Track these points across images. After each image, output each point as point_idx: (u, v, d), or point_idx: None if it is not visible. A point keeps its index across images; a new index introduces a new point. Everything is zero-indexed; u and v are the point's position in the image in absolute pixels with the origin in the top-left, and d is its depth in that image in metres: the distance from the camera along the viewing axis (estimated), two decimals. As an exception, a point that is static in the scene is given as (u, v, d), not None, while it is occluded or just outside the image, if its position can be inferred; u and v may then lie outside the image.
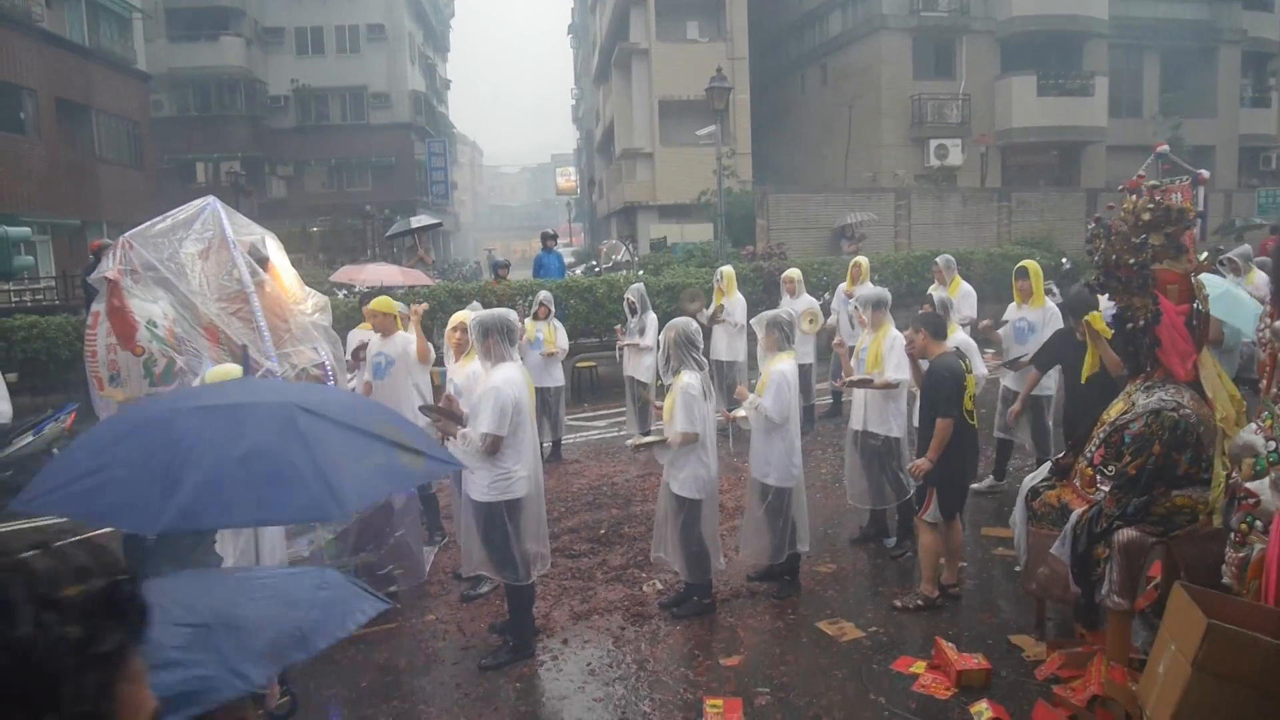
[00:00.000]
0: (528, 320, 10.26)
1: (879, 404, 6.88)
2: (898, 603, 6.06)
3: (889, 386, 6.74)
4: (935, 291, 9.28)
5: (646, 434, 6.65)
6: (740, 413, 6.47)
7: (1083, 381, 6.03)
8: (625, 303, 10.79)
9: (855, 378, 6.94)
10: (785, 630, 5.85)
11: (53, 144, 24.86)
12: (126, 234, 5.82)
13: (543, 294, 10.53)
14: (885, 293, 7.22)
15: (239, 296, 5.58)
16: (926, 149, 28.89)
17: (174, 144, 37.16)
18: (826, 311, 11.67)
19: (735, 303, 11.08)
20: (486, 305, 14.35)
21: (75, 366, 12.84)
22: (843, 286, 11.28)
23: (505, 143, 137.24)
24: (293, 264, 23.59)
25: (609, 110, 38.06)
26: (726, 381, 10.90)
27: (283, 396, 3.29)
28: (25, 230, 15.43)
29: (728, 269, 11.61)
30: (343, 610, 2.65)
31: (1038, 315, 8.07)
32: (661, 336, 5.96)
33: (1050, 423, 8.05)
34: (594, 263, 26.57)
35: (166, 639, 2.20)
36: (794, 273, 11.23)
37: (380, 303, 7.75)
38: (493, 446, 5.29)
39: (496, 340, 5.45)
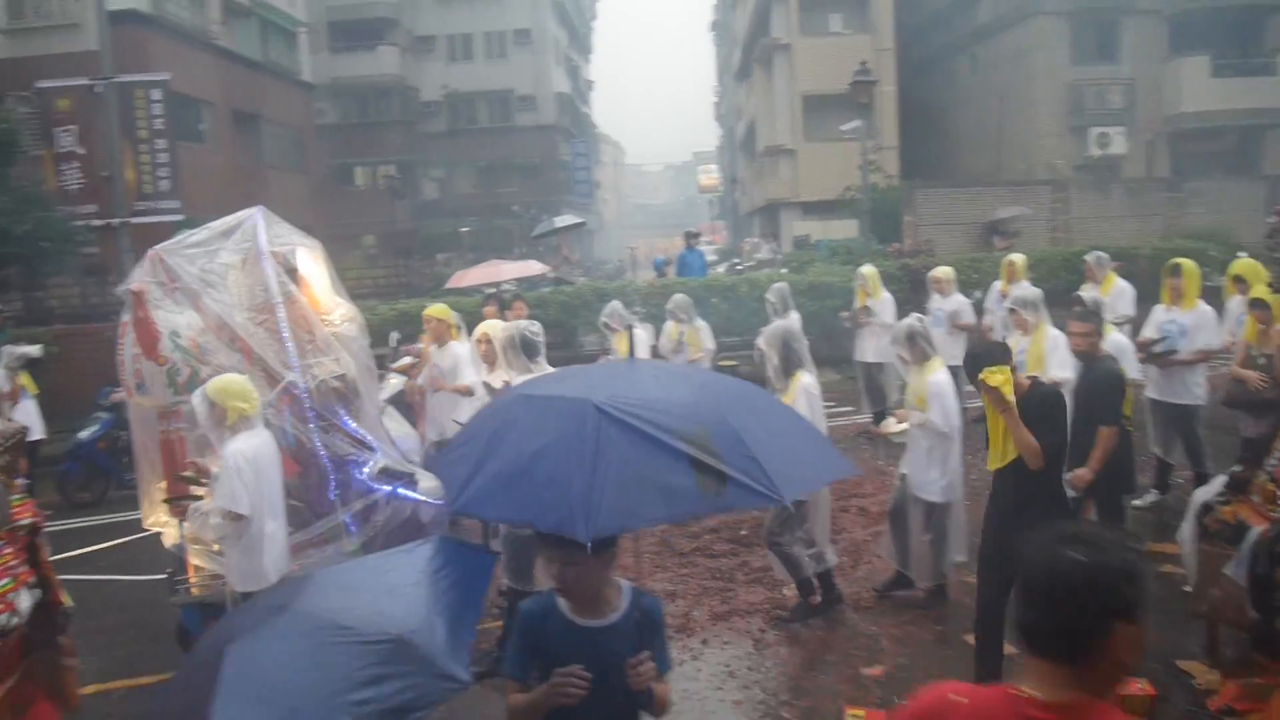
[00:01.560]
0: (668, 324, 10.28)
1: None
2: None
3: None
4: (1086, 291, 8.82)
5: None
6: (896, 427, 6.26)
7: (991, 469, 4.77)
8: (767, 304, 10.66)
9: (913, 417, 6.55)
10: (932, 641, 5.68)
11: (227, 152, 26.60)
12: (158, 247, 5.94)
13: (673, 302, 10.38)
14: (1040, 292, 6.89)
15: (267, 307, 5.71)
16: (1086, 138, 27.45)
17: (335, 149, 39.13)
18: (979, 311, 11.24)
19: (883, 302, 10.77)
20: (629, 305, 14.56)
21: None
22: (998, 285, 10.84)
23: (648, 141, 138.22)
24: (442, 263, 24.55)
25: (751, 107, 37.86)
26: (873, 384, 10.64)
27: (590, 391, 2.97)
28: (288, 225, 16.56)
29: (869, 269, 11.27)
30: (471, 584, 2.78)
31: (1190, 318, 7.32)
32: (763, 344, 5.84)
33: (1200, 432, 7.49)
34: (736, 260, 26.48)
35: (368, 658, 2.35)
36: (945, 271, 10.79)
37: (436, 310, 7.90)
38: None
39: (514, 354, 5.58)
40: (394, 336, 12.99)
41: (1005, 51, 29.92)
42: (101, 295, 17.27)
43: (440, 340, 7.66)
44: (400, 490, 5.65)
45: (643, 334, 9.91)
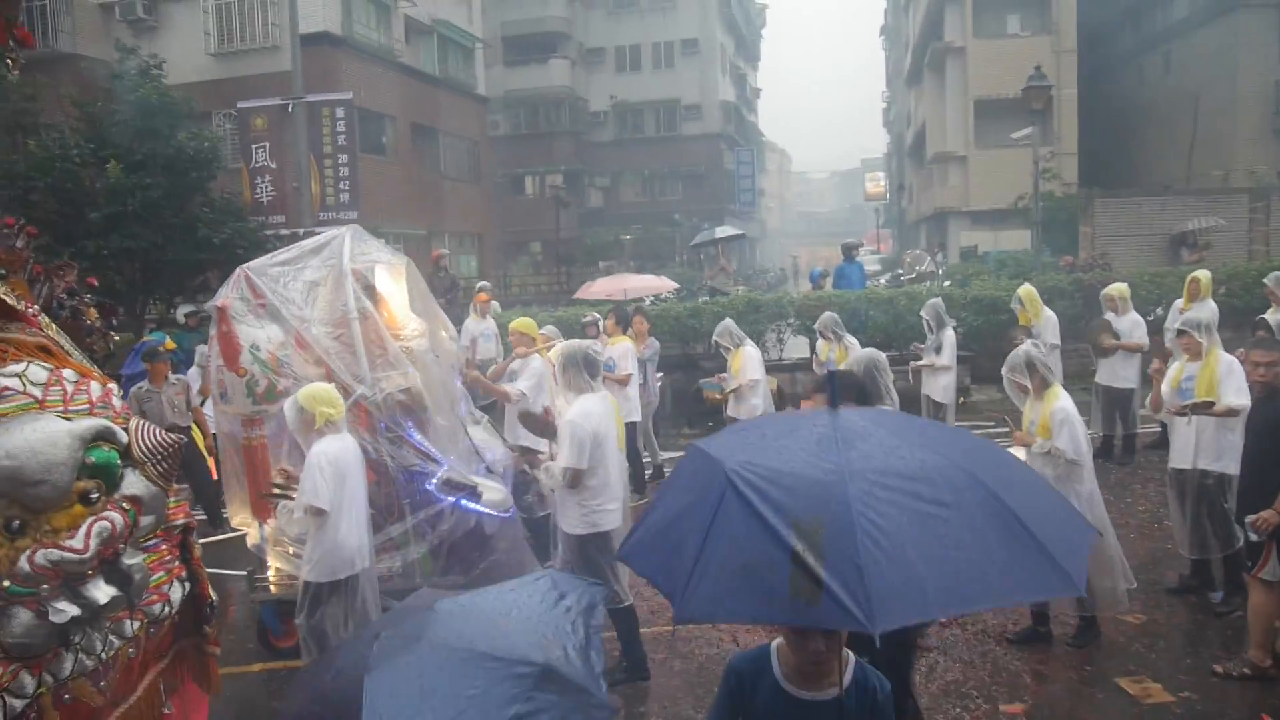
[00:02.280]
0: (819, 342, 10.18)
1: (1214, 436, 6.12)
2: (1219, 668, 5.38)
3: (1231, 413, 5.95)
4: (1272, 315, 8.13)
5: None
6: (1021, 454, 5.91)
7: None
8: (923, 319, 10.37)
9: (1193, 401, 6.17)
10: (1079, 681, 5.39)
11: (407, 163, 28.09)
12: (246, 264, 6.16)
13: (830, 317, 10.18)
14: (1213, 312, 6.51)
15: (343, 322, 5.84)
16: (1294, 142, 25.29)
17: (506, 159, 40.60)
18: (1157, 329, 10.56)
19: (1046, 320, 10.31)
20: (783, 317, 14.45)
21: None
22: (1179, 303, 10.16)
23: (814, 148, 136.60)
24: (603, 270, 24.89)
25: (920, 113, 36.84)
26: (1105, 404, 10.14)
27: (744, 452, 2.53)
28: (380, 242, 17.60)
29: (1026, 289, 10.78)
30: (589, 616, 2.83)
31: None
32: (559, 354, 5.54)
33: None
34: (899, 271, 25.83)
35: (518, 686, 2.41)
36: (1119, 287, 10.19)
37: (520, 324, 8.00)
38: (573, 480, 5.27)
39: (575, 372, 5.41)
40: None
41: (1203, 49, 27.93)
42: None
43: (522, 353, 7.81)
44: (463, 502, 5.83)
45: (754, 352, 9.72)
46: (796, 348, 15.08)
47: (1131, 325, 9.80)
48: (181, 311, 12.57)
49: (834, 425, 2.49)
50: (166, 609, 2.65)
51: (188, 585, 2.77)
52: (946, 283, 17.75)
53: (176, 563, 2.73)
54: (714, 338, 9.98)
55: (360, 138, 23.95)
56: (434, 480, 5.71)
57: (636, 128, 46.03)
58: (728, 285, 17.00)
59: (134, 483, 2.54)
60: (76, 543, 2.39)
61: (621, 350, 9.66)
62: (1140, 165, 30.93)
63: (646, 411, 10.36)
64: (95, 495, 2.46)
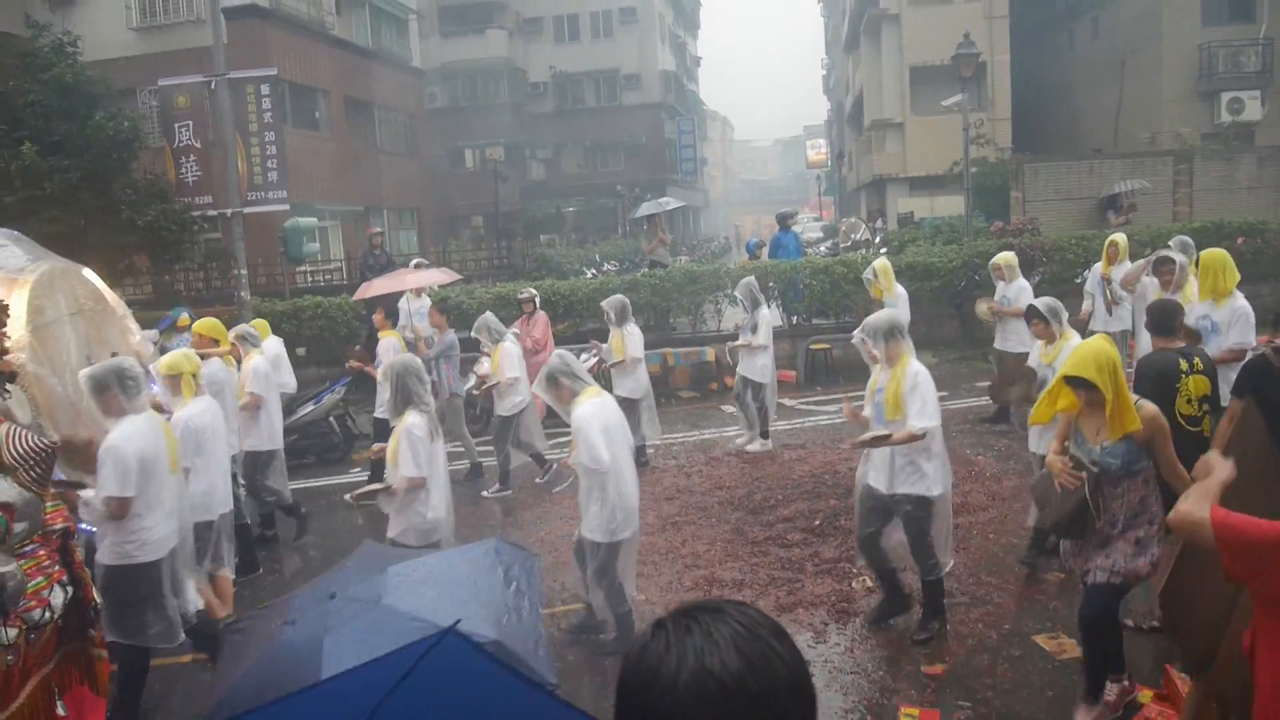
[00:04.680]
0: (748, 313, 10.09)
1: (907, 457, 5.52)
2: (1128, 622, 5.57)
3: (913, 439, 5.37)
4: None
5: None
6: (865, 436, 5.56)
7: None
8: (737, 299, 10.21)
9: (869, 435, 5.53)
10: (998, 640, 5.56)
11: (341, 138, 27.57)
12: None
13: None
14: (898, 314, 6.10)
15: None
16: (1217, 104, 25.83)
17: (444, 133, 40.04)
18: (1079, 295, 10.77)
19: (899, 296, 10.43)
20: (721, 288, 14.50)
21: (352, 341, 14.34)
22: (1098, 268, 10.34)
23: (757, 116, 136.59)
24: (545, 244, 24.86)
25: (858, 80, 37.03)
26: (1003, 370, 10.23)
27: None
28: (312, 220, 17.33)
29: (881, 262, 10.86)
30: (530, 585, 2.90)
31: (1224, 314, 6.64)
32: (384, 372, 5.48)
33: None
34: (836, 240, 26.06)
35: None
36: (1005, 256, 10.34)
37: (204, 325, 7.88)
38: (118, 510, 4.68)
39: (109, 396, 4.90)
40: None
41: (1128, 14, 28.37)
42: (224, 279, 18.26)
43: (204, 356, 7.42)
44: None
45: (514, 349, 9.41)
46: (735, 318, 15.18)
47: (1018, 292, 9.95)
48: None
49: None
50: (48, 614, 2.61)
51: (69, 589, 2.73)
52: (884, 249, 17.94)
53: (56, 567, 2.69)
54: (472, 333, 9.65)
55: (292, 113, 23.46)
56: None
57: (576, 98, 45.65)
58: (667, 258, 17.00)
59: (5, 489, 2.49)
60: (-56, 553, 2.35)
61: (385, 346, 9.48)
62: (1071, 129, 31.45)
63: (450, 407, 9.84)
64: (-37, 505, 2.42)
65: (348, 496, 5.92)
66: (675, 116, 49.55)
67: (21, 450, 2.56)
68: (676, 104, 50.20)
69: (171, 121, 13.79)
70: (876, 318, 5.72)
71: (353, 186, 27.55)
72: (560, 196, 41.64)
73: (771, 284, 14.44)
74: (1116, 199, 19.22)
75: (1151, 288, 8.28)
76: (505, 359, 9.22)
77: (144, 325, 11.90)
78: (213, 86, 13.32)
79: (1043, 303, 6.62)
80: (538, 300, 12.23)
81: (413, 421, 5.43)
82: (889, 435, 5.41)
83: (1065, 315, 6.55)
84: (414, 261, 14.05)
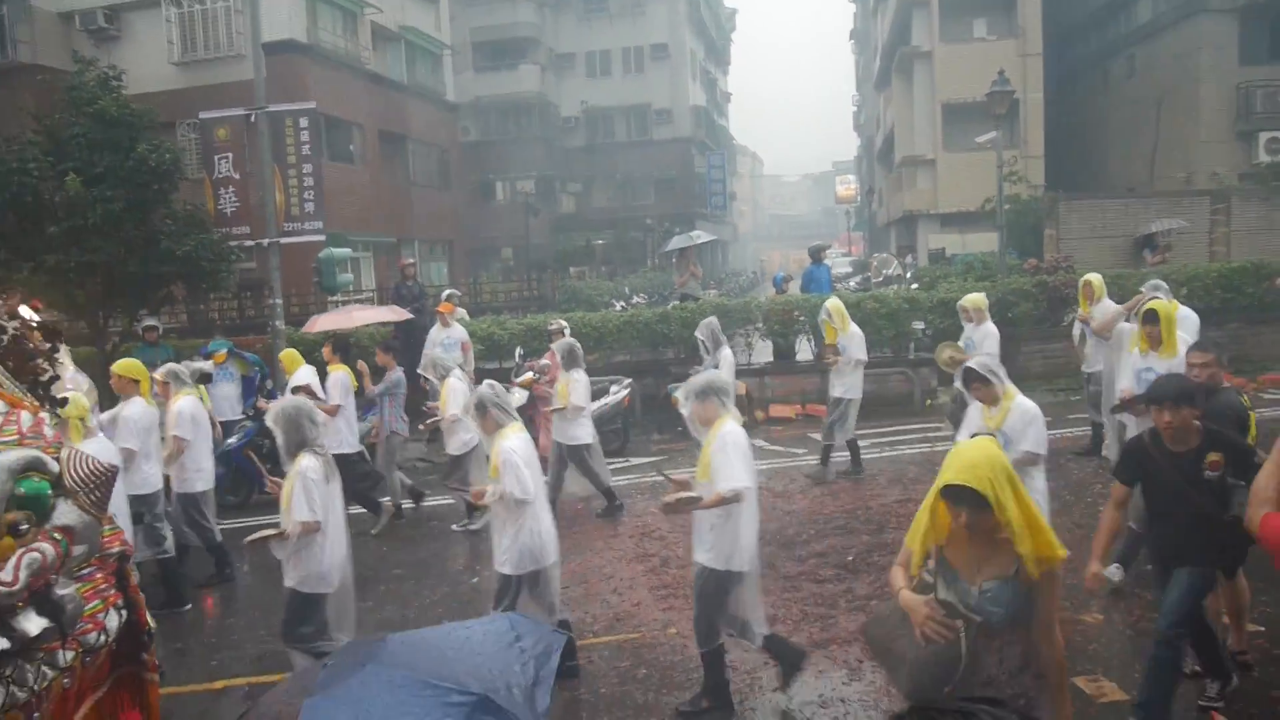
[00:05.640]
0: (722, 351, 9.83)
1: (709, 522, 5.33)
2: (1173, 665, 5.47)
3: (723, 502, 5.14)
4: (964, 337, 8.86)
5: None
6: (671, 498, 5.34)
7: None
8: (699, 340, 9.82)
9: (674, 497, 5.32)
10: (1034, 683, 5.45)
11: (375, 171, 27.98)
12: None
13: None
14: (716, 376, 5.64)
15: None
16: (1255, 144, 25.65)
17: (477, 166, 40.53)
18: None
19: (852, 335, 10.16)
20: (750, 321, 14.49)
21: (379, 370, 14.43)
22: (1081, 313, 9.94)
23: (786, 151, 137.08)
24: (575, 277, 24.91)
25: (889, 116, 37.16)
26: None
27: None
28: (346, 251, 17.50)
29: (834, 302, 10.46)
30: (544, 659, 2.86)
31: (1168, 365, 6.57)
32: (272, 417, 5.26)
33: None
34: (868, 275, 26.03)
35: (452, 717, 2.43)
36: (973, 299, 10.03)
37: (121, 366, 7.71)
38: None
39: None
40: (518, 351, 13.44)
41: (1166, 53, 28.32)
42: (258, 308, 18.48)
43: (125, 395, 7.58)
44: None
45: (461, 385, 9.01)
46: (765, 352, 15.17)
47: (984, 337, 9.71)
48: (144, 325, 12.47)
49: None
50: (103, 637, 2.63)
51: (124, 613, 2.76)
52: (914, 285, 17.89)
53: (113, 591, 2.71)
54: (419, 370, 9.47)
55: (328, 146, 23.85)
56: None
57: (607, 133, 46.10)
58: (698, 290, 17.05)
59: (66, 512, 2.52)
60: (5, 575, 2.36)
61: (333, 380, 9.35)
62: (1105, 168, 31.32)
63: (387, 445, 9.82)
64: (25, 526, 2.44)
65: (246, 540, 5.60)
66: (705, 151, 49.87)
67: (83, 474, 2.60)
68: (706, 139, 50.56)
69: (212, 153, 14.04)
70: (695, 378, 5.53)
71: (385, 218, 27.90)
72: (590, 229, 41.91)
73: (802, 318, 14.43)
74: (1153, 238, 19.09)
75: (1127, 333, 7.94)
76: (451, 396, 8.88)
77: (181, 353, 12.15)
78: (252, 119, 13.56)
79: (979, 362, 5.90)
80: (568, 331, 12.29)
81: (306, 464, 5.23)
82: (699, 498, 5.21)
83: (1004, 373, 5.83)
84: (445, 293, 14.18)
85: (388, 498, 9.84)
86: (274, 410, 5.32)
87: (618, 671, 5.90)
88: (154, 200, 13.42)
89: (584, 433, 9.29)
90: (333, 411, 9.02)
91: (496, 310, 19.82)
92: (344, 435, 9.17)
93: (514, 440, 5.53)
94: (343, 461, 9.07)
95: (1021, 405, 5.68)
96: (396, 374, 9.94)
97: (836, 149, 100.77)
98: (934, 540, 3.30)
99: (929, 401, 14.04)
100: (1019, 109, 27.59)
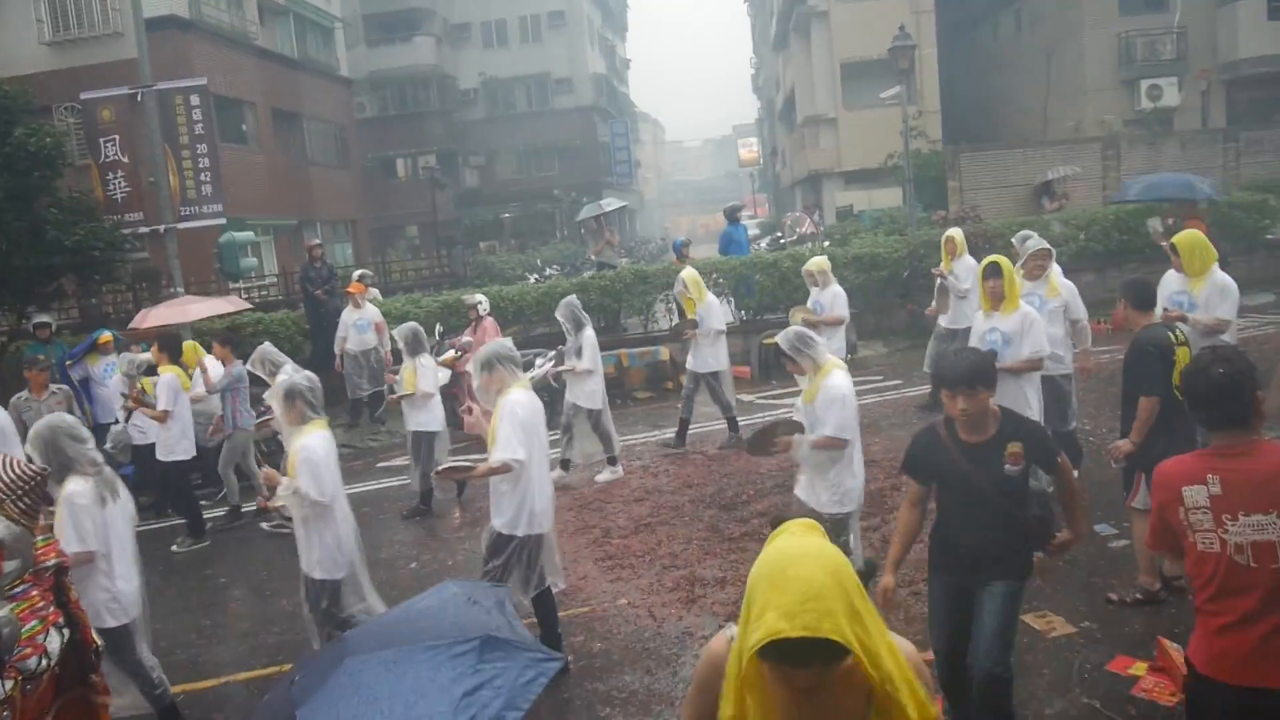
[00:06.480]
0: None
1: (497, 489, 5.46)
2: (1113, 595, 5.63)
3: (493, 472, 5.30)
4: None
5: None
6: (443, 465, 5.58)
7: None
8: (560, 321, 9.27)
9: (446, 465, 5.80)
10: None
11: (270, 151, 26.90)
12: None
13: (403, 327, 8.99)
14: (498, 346, 5.60)
15: None
16: (1137, 91, 26.59)
17: (375, 143, 39.38)
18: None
19: (710, 305, 9.99)
20: (669, 288, 14.42)
21: (295, 358, 13.94)
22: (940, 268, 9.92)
23: (686, 117, 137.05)
24: (486, 251, 24.57)
25: (789, 77, 37.32)
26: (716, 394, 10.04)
27: None
28: (249, 234, 16.81)
29: (690, 273, 10.26)
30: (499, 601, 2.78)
31: (1013, 324, 6.44)
32: (30, 441, 4.70)
33: None
34: (779, 235, 26.21)
35: (464, 666, 2.36)
36: (817, 262, 9.99)
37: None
38: None
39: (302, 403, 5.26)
40: (438, 328, 13.11)
41: (1050, 5, 29.06)
42: (153, 299, 17.62)
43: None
44: None
45: (429, 362, 8.89)
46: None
47: (832, 298, 9.82)
48: (34, 321, 11.72)
49: None
50: (44, 661, 2.37)
51: (66, 632, 2.50)
52: (826, 242, 18.06)
53: (51, 609, 2.45)
54: (248, 365, 8.40)
55: (219, 126, 22.75)
56: None
57: (508, 104, 45.32)
58: (614, 258, 16.89)
59: (-8, 524, 2.27)
60: (-72, 599, 2.11)
61: (162, 384, 8.71)
62: (999, 119, 32.10)
63: (231, 443, 9.32)
64: (-54, 542, 2.18)
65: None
66: (608, 119, 49.45)
67: (9, 479, 2.33)
68: (608, 107, 50.13)
69: (96, 136, 13.26)
70: (482, 349, 5.54)
71: (285, 200, 26.91)
72: (496, 203, 41.25)
73: (720, 279, 14.42)
74: (1050, 185, 19.65)
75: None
76: (421, 373, 8.68)
77: (71, 348, 11.45)
78: (139, 98, 12.85)
79: (786, 337, 5.43)
80: (487, 306, 12.04)
81: (74, 489, 4.57)
82: (471, 468, 5.42)
83: (818, 344, 5.45)
84: (356, 273, 13.73)
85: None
86: (31, 434, 4.72)
87: (572, 647, 5.79)
88: (36, 188, 12.59)
89: (434, 419, 8.91)
90: (161, 418, 8.55)
91: (408, 289, 19.34)
92: (177, 441, 8.67)
93: (315, 438, 5.26)
94: (177, 468, 8.75)
95: (828, 384, 5.29)
96: (237, 368, 9.29)
97: (736, 112, 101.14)
98: None
99: (849, 356, 14.21)
100: (914, 65, 27.98)
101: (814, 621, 1.76)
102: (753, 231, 34.88)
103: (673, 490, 8.79)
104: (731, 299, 14.60)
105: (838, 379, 5.33)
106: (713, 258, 15.70)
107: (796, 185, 38.12)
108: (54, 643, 2.42)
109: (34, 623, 2.37)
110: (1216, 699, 3.06)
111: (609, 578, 6.88)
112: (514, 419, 5.23)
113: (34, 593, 2.40)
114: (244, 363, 9.13)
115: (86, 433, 4.84)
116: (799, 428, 5.48)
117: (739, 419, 10.23)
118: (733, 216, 16.31)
